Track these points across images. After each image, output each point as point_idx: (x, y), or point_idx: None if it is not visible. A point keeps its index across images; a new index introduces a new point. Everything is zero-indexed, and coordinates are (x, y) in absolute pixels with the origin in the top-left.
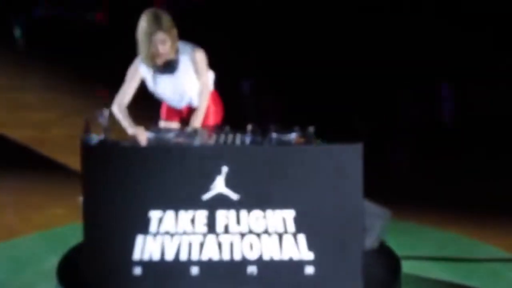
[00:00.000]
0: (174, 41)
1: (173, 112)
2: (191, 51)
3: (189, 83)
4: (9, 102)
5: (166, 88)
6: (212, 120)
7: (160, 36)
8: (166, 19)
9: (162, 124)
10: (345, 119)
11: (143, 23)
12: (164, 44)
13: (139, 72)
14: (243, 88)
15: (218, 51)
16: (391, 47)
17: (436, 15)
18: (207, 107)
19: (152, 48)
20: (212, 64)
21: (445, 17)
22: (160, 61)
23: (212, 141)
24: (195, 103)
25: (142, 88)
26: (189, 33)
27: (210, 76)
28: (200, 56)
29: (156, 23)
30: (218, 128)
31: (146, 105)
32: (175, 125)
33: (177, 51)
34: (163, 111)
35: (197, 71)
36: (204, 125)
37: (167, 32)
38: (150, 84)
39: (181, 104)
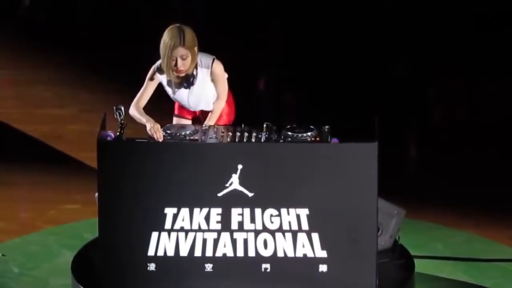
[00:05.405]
0: (195, 58)
1: (186, 109)
2: (210, 64)
3: (205, 96)
4: (23, 97)
5: (183, 97)
6: (225, 121)
7: (181, 51)
8: (189, 35)
9: (175, 119)
10: (363, 117)
11: (166, 37)
12: (185, 60)
13: (157, 77)
14: (259, 84)
15: (234, 47)
16: (411, 43)
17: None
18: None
19: (172, 62)
20: (228, 60)
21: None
22: (179, 75)
23: (227, 138)
24: (210, 108)
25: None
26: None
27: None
28: (219, 68)
29: (179, 38)
30: (233, 126)
31: (160, 99)
32: (188, 122)
33: (196, 65)
34: (176, 106)
35: (214, 81)
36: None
37: (188, 48)
38: (167, 90)
39: (197, 109)
